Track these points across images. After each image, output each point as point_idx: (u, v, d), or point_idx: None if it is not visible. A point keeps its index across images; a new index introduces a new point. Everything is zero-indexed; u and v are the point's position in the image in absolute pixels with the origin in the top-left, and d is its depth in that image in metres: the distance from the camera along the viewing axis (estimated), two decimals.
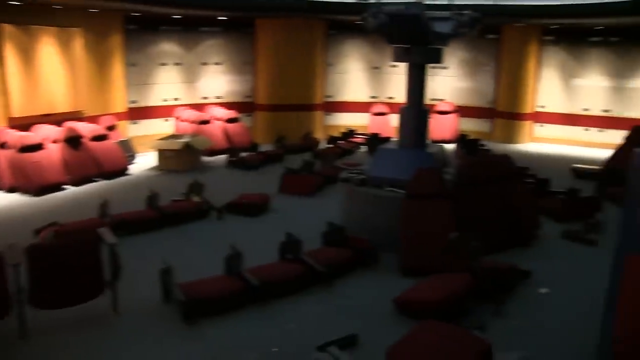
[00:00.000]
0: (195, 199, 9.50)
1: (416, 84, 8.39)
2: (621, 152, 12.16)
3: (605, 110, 15.77)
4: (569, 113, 16.09)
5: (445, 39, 8.16)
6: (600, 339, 4.59)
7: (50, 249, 5.77)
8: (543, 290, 6.65)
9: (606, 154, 14.53)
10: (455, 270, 6.41)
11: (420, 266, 6.97)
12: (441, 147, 9.07)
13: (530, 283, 6.84)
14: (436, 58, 8.31)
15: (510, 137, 16.20)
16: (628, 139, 12.34)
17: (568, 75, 16.04)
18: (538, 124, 16.46)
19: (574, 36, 15.73)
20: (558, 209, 9.33)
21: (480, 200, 7.87)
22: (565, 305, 6.39)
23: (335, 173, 11.50)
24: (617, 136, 15.17)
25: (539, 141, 16.34)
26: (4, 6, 10.49)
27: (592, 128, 15.92)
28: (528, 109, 16.26)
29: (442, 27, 8.06)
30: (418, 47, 7.99)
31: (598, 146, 15.56)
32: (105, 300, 5.89)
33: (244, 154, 13.13)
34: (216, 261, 6.73)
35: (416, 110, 8.39)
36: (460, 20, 7.97)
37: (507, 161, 8.52)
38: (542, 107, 16.33)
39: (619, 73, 15.52)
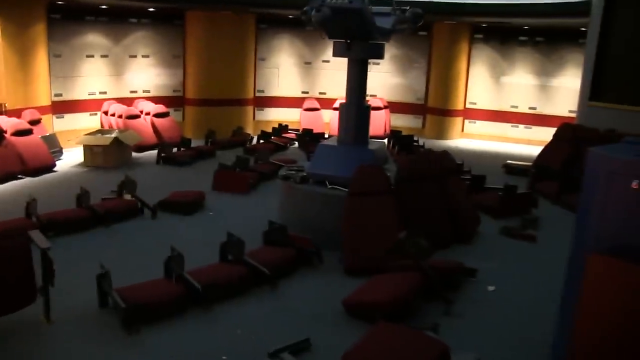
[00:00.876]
0: (127, 197, 9.11)
1: (357, 80, 8.31)
2: (549, 149, 12.58)
3: (532, 108, 16.28)
4: (498, 110, 16.51)
5: (387, 34, 8.12)
6: (555, 338, 4.62)
7: None
8: (490, 288, 6.72)
9: (534, 150, 15.06)
10: (401, 269, 6.38)
11: (364, 265, 6.91)
12: (383, 144, 9.04)
13: (476, 281, 6.90)
14: (378, 53, 8.27)
15: (441, 133, 16.48)
16: (555, 136, 12.74)
17: (497, 72, 16.46)
18: (469, 121, 16.81)
19: (502, 35, 16.15)
20: (495, 206, 9.49)
21: (421, 197, 7.91)
22: (514, 303, 6.44)
23: (270, 169, 11.36)
24: (543, 133, 15.79)
25: (470, 137, 16.71)
26: None
27: (520, 125, 16.40)
28: (459, 106, 16.59)
29: (384, 22, 8.01)
30: (360, 42, 7.90)
31: (526, 142, 16.09)
32: (37, 309, 5.50)
33: (174, 150, 12.72)
34: (153, 262, 6.47)
35: (357, 107, 8.31)
36: (401, 16, 7.95)
37: (447, 158, 8.59)
38: (473, 103, 16.69)
39: (545, 72, 16.05)
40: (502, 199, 9.59)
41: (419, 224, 7.32)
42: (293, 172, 8.29)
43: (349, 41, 7.90)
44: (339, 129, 8.51)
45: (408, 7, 8.38)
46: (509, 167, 12.79)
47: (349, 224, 7.19)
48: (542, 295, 6.55)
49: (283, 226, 7.26)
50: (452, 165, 8.70)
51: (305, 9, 7.96)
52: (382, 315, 5.27)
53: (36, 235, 5.66)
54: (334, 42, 8.27)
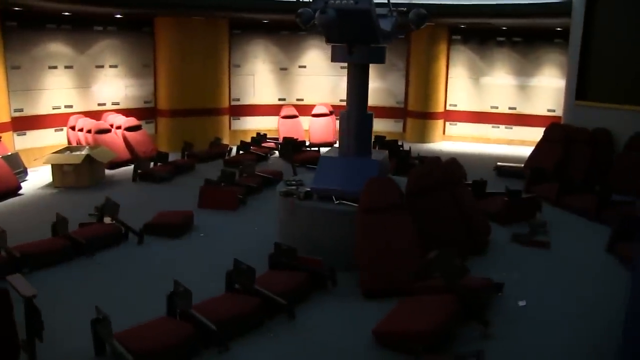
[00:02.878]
0: (107, 220, 8.29)
1: (359, 86, 7.71)
2: (540, 150, 12.25)
3: (512, 108, 16.00)
4: (479, 111, 16.18)
5: (388, 37, 7.56)
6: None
7: None
8: (521, 303, 6.20)
9: (517, 150, 14.83)
10: (430, 291, 5.81)
11: (384, 287, 6.33)
12: (385, 153, 8.46)
13: (503, 296, 6.38)
14: (380, 57, 7.68)
15: (422, 137, 16.03)
16: (545, 136, 12.42)
17: (476, 73, 16.12)
18: (450, 123, 16.43)
19: (480, 36, 15.82)
20: (501, 212, 9.02)
21: (434, 208, 7.35)
22: (552, 317, 5.94)
23: (257, 182, 10.69)
24: (524, 132, 15.57)
25: (451, 139, 16.33)
26: None
27: (500, 125, 16.09)
28: (439, 108, 16.18)
29: (384, 25, 7.45)
30: (361, 46, 7.30)
31: (507, 143, 15.90)
32: None
33: (151, 165, 11.89)
34: (147, 296, 5.97)
35: (359, 115, 7.71)
36: (403, 18, 7.38)
37: (455, 165, 8.06)
38: (454, 105, 16.31)
39: (523, 72, 15.78)
40: (508, 205, 9.13)
41: (433, 236, 6.81)
42: (293, 187, 7.63)
43: (350, 45, 7.28)
44: (340, 139, 7.91)
45: (405, 9, 7.87)
46: (500, 169, 12.39)
47: (363, 243, 6.58)
48: (574, 305, 6.19)
49: (292, 248, 6.59)
50: (460, 172, 8.18)
51: (300, 11, 7.31)
52: (424, 347, 4.71)
53: (17, 281, 4.82)
54: (333, 46, 7.66)
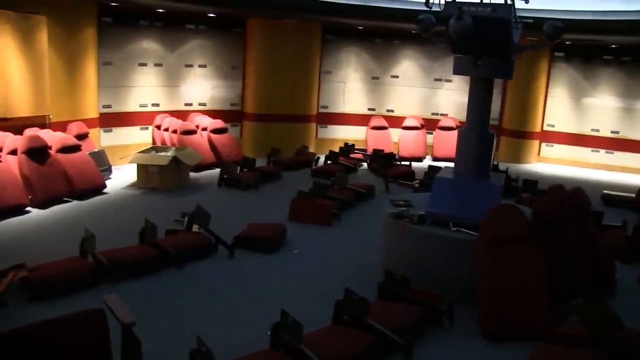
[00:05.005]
0: (195, 229, 7.80)
1: (481, 102, 6.96)
2: None
3: (614, 132, 14.83)
4: (578, 133, 15.07)
5: (518, 50, 6.80)
6: None
7: (28, 334, 3.89)
8: None
9: (618, 177, 13.75)
10: (571, 341, 4.99)
11: (507, 329, 5.56)
12: (502, 177, 7.67)
13: None
14: (507, 72, 6.92)
15: (517, 157, 15.05)
16: None
17: (578, 93, 15.02)
18: (546, 144, 15.38)
19: (585, 53, 14.72)
20: (623, 248, 8.05)
21: (561, 243, 6.48)
22: None
23: (350, 197, 10.05)
24: (626, 158, 14.42)
25: (546, 161, 15.27)
26: None
27: (600, 149, 14.93)
28: (536, 128, 15.17)
29: (515, 36, 6.70)
30: (489, 58, 6.55)
31: (607, 168, 14.76)
32: None
33: (237, 171, 11.41)
34: (243, 318, 5.62)
35: (480, 134, 6.96)
36: (545, 31, 6.58)
37: (582, 195, 7.17)
38: (551, 126, 15.26)
39: (630, 93, 14.61)
40: (631, 240, 8.15)
41: (558, 273, 5.99)
42: (404, 208, 6.92)
43: (477, 57, 6.54)
44: (457, 159, 7.15)
45: (531, 20, 7.09)
46: (608, 198, 11.30)
47: (486, 278, 5.81)
48: None
49: (405, 278, 5.88)
50: (588, 203, 7.28)
51: (421, 17, 6.64)
52: None
53: (115, 303, 4.28)
54: (456, 57, 6.94)
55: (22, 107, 9.72)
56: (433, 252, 6.39)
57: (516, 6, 6.37)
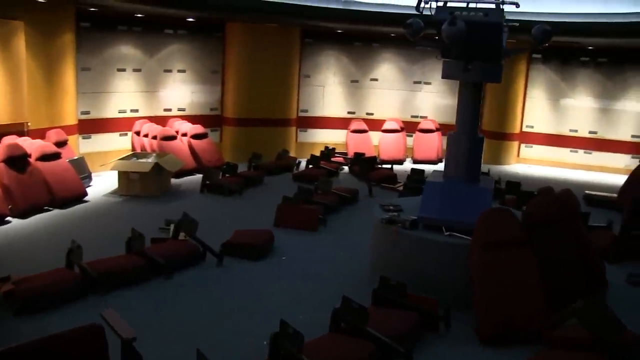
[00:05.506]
0: (182, 237, 7.67)
1: (471, 106, 6.97)
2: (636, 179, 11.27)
3: (592, 132, 15.03)
4: (557, 134, 15.23)
5: (506, 54, 6.84)
6: None
7: (27, 351, 3.74)
8: None
9: (596, 177, 13.93)
10: (570, 345, 5.01)
11: (504, 333, 5.56)
12: (492, 180, 7.69)
13: None
14: (497, 76, 6.92)
15: (497, 158, 15.11)
16: None
17: (556, 95, 15.20)
18: (525, 145, 15.53)
19: (563, 55, 14.90)
20: (609, 248, 8.13)
21: (552, 245, 6.50)
22: None
23: (334, 201, 10.00)
24: (604, 158, 14.63)
25: (526, 162, 15.41)
26: None
27: (579, 150, 15.12)
28: (515, 129, 15.30)
29: (504, 40, 6.74)
30: (481, 62, 6.56)
31: (585, 168, 14.95)
32: None
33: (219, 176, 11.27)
34: (238, 326, 5.65)
35: (470, 138, 6.97)
36: (533, 34, 6.61)
37: (572, 197, 7.22)
38: (530, 127, 15.41)
39: (607, 94, 14.81)
40: (619, 240, 8.24)
41: (550, 273, 6.02)
42: (394, 213, 6.89)
43: (467, 62, 6.54)
44: (446, 163, 7.16)
45: (517, 24, 7.15)
46: (590, 198, 11.41)
47: (481, 282, 5.80)
48: None
49: (401, 284, 5.84)
50: (577, 205, 7.33)
51: (409, 21, 6.64)
52: None
53: (113, 318, 4.16)
54: (445, 61, 6.93)
55: None
56: (426, 257, 6.37)
57: (505, 10, 6.39)
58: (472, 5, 6.32)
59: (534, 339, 5.43)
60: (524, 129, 15.47)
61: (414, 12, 6.43)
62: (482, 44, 6.16)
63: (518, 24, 7.28)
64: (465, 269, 6.02)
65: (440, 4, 6.32)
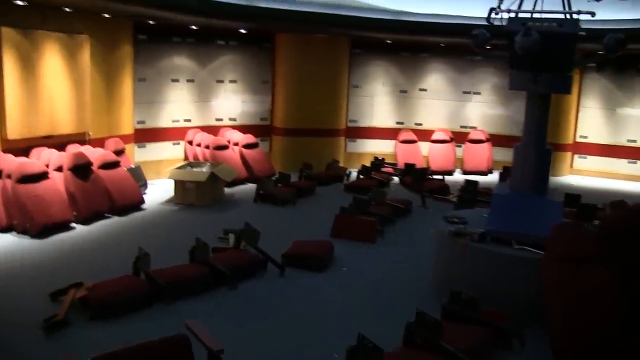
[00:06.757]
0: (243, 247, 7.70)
1: (539, 118, 6.88)
2: None
3: None
4: (613, 144, 14.84)
5: (579, 63, 6.72)
6: None
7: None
8: None
9: None
10: None
11: (583, 353, 5.40)
12: (560, 193, 7.55)
13: None
14: (567, 87, 6.81)
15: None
16: None
17: (611, 104, 14.83)
18: (578, 156, 15.19)
19: (618, 63, 14.54)
20: None
21: (630, 261, 6.34)
22: None
23: (389, 212, 9.94)
24: None
25: (579, 174, 15.05)
26: (5, 6, 8.57)
27: (638, 161, 14.68)
28: (568, 140, 15.00)
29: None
30: (551, 73, 6.45)
31: None
32: None
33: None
34: (310, 339, 5.63)
35: (537, 149, 6.85)
36: (605, 43, 6.49)
37: None
38: (584, 137, 15.07)
39: None
40: None
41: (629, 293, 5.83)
42: (460, 226, 6.80)
43: (536, 73, 6.45)
44: (513, 175, 7.06)
45: (584, 33, 7.00)
46: None
47: (557, 299, 5.66)
48: None
49: (473, 298, 5.76)
50: None
51: (475, 32, 6.61)
52: None
53: (200, 330, 4.17)
54: (512, 73, 6.84)
55: (65, 125, 9.81)
56: (496, 270, 6.26)
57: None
58: (544, 14, 6.23)
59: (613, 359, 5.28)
60: (578, 140, 15.14)
61: (466, 21, 6.40)
62: (555, 55, 6.06)
63: (585, 33, 7.15)
64: (537, 284, 5.89)
65: (512, 14, 6.25)
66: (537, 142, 6.86)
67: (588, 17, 6.38)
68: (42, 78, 9.30)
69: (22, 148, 9.12)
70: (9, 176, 8.41)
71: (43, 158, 9.20)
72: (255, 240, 7.55)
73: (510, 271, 6.19)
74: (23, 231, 8.36)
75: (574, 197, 10.54)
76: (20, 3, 8.52)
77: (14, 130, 8.93)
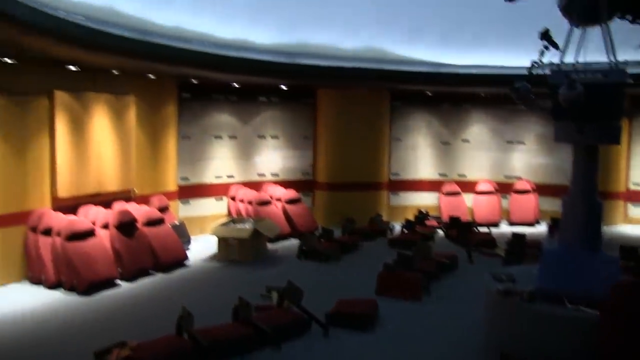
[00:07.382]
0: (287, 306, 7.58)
1: (587, 170, 6.66)
2: None
3: None
4: None
5: (628, 113, 6.56)
6: None
7: None
8: None
9: None
10: None
11: None
12: (616, 248, 7.26)
13: None
14: (615, 137, 6.62)
15: None
16: None
17: None
18: (633, 204, 14.65)
19: None
20: None
21: None
22: None
23: (434, 268, 9.70)
24: None
25: (636, 222, 14.48)
26: (58, 71, 8.92)
27: None
28: (620, 187, 14.53)
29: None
30: (598, 123, 6.30)
31: None
32: None
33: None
34: None
35: (588, 203, 6.62)
36: None
37: None
38: (638, 184, 14.57)
39: None
40: None
41: None
42: (509, 283, 6.57)
43: (581, 123, 6.30)
44: (562, 229, 6.82)
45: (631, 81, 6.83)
46: None
47: None
48: None
49: None
50: None
51: (517, 85, 6.52)
52: None
53: None
54: (557, 124, 6.70)
55: (111, 182, 10.06)
56: (549, 332, 5.98)
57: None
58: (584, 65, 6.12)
59: None
60: (631, 187, 14.64)
61: (506, 72, 6.32)
62: (600, 106, 5.91)
63: (632, 81, 6.98)
64: (591, 347, 5.59)
65: (555, 67, 6.16)
66: (588, 195, 6.62)
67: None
68: (90, 138, 9.61)
69: (71, 206, 9.34)
70: (58, 234, 8.59)
71: (90, 216, 9.37)
72: (298, 299, 7.43)
73: (563, 332, 5.91)
74: (71, 288, 8.48)
75: (630, 250, 10.11)
76: (73, 69, 8.85)
77: (64, 188, 9.17)
